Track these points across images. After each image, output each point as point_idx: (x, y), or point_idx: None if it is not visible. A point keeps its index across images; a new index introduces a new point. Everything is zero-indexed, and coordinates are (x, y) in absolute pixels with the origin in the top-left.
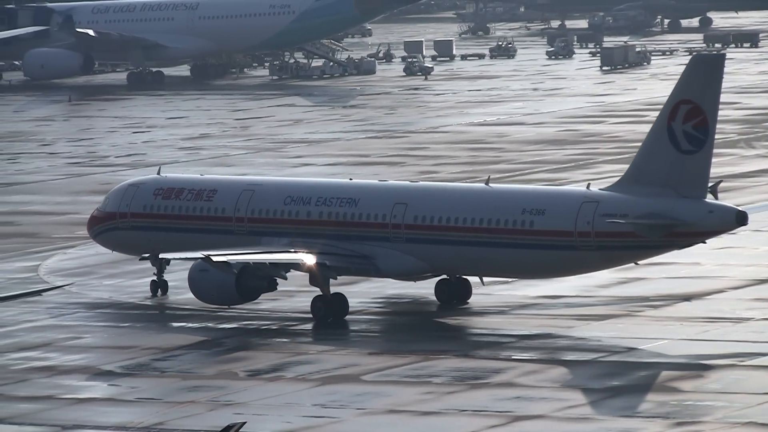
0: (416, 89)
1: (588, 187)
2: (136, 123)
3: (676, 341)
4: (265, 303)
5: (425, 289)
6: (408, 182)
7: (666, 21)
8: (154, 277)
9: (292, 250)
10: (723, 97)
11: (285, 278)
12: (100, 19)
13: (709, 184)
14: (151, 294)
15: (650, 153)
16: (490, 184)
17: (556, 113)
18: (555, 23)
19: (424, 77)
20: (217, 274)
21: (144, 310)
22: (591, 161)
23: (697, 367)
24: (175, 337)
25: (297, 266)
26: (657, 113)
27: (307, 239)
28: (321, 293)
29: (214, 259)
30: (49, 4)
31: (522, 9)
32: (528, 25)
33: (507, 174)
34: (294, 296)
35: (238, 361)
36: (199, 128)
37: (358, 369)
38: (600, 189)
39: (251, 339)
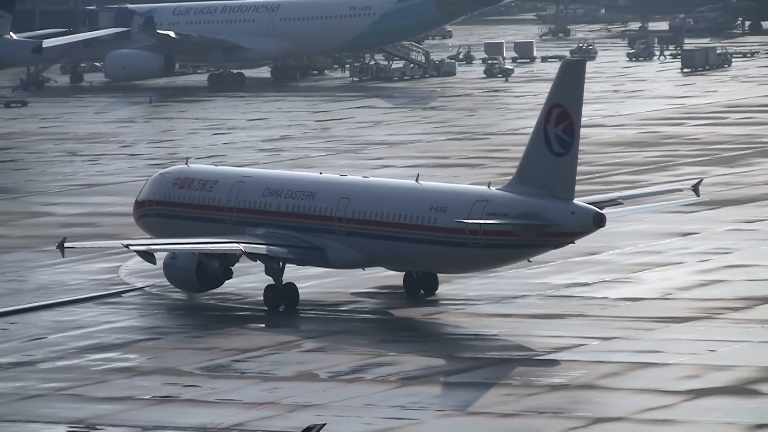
0: (496, 91)
1: (489, 186)
2: (217, 124)
3: (756, 344)
4: (345, 305)
5: (505, 290)
6: (360, 177)
7: (747, 23)
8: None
9: (234, 240)
10: None
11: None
12: (181, 21)
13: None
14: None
15: (531, 154)
16: (419, 181)
17: (636, 115)
18: (635, 25)
19: (504, 79)
20: (182, 262)
21: (224, 311)
22: (671, 163)
23: None
24: (254, 339)
25: (232, 256)
26: (738, 115)
27: (277, 230)
28: (273, 283)
29: (133, 248)
30: (130, 6)
31: (602, 11)
32: (608, 27)
33: (587, 176)
34: (373, 297)
35: (318, 363)
36: (280, 130)
37: (437, 371)
38: (496, 188)
39: (331, 340)
